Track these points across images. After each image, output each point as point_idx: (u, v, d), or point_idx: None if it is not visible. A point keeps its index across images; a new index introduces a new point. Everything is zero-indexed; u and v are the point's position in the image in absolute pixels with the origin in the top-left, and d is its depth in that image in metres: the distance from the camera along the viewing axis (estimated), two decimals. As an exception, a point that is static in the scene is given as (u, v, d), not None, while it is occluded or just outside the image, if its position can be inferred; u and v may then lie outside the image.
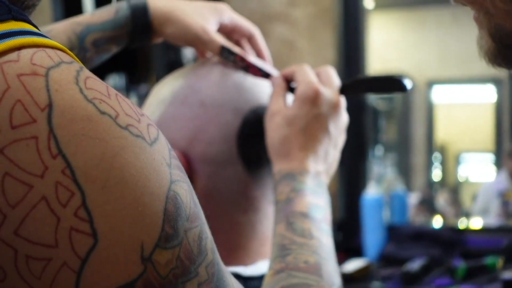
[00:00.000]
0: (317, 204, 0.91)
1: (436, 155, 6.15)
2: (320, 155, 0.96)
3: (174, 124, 0.99)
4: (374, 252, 2.88)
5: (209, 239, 0.62)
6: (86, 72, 0.56)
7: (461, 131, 6.34)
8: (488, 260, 2.57)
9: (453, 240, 2.86)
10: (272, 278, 0.81)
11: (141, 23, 1.02)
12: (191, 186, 0.61)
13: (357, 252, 2.93)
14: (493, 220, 4.43)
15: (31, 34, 0.56)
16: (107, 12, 1.03)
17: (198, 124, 0.98)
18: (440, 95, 6.16)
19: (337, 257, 0.90)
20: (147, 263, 0.54)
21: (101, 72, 0.57)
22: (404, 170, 5.63)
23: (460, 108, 6.45)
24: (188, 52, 3.25)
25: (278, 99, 0.98)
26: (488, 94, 6.24)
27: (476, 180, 6.33)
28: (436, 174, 6.20)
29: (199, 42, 1.03)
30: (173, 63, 3.08)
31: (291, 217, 0.88)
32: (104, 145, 0.53)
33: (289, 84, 1.00)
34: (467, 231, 2.99)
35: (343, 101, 0.99)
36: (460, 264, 2.57)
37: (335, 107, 0.97)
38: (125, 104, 0.57)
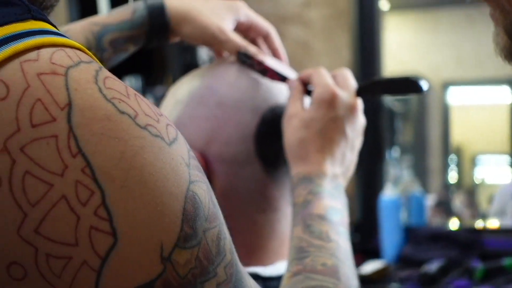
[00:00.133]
0: (335, 206, 0.91)
1: (452, 157, 6.13)
2: (337, 158, 0.96)
3: (192, 124, 1.00)
4: (392, 253, 2.87)
5: (227, 239, 0.62)
6: (105, 72, 0.56)
7: (477, 133, 6.31)
8: (506, 261, 2.57)
9: (470, 242, 2.84)
10: (290, 281, 0.81)
11: (158, 23, 1.03)
12: (210, 187, 0.61)
13: (374, 253, 2.93)
14: (510, 221, 4.40)
15: (50, 34, 0.56)
16: (124, 12, 1.03)
17: (216, 124, 0.98)
18: (455, 96, 6.13)
19: (354, 258, 0.90)
20: (166, 262, 0.54)
21: (117, 74, 0.57)
22: (420, 172, 5.60)
23: (476, 110, 6.42)
24: (203, 54, 3.25)
25: (295, 102, 0.98)
26: (504, 95, 6.21)
27: (493, 182, 6.30)
28: (452, 176, 6.17)
29: (216, 42, 1.04)
30: (189, 65, 3.08)
31: (308, 220, 0.88)
32: (124, 144, 0.53)
33: (306, 87, 1.00)
34: (484, 232, 2.98)
35: (359, 103, 0.99)
36: (478, 266, 2.56)
37: (352, 109, 0.97)
38: (144, 104, 0.57)
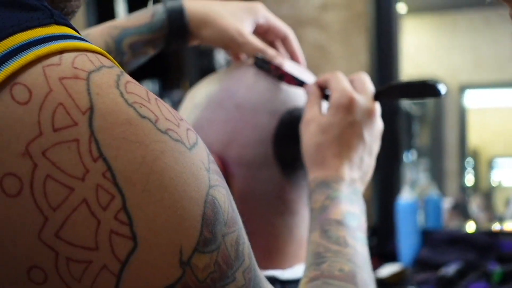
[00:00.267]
0: (352, 212, 0.91)
1: (469, 160, 6.10)
2: (355, 163, 0.96)
3: (210, 127, 1.00)
4: (409, 256, 2.87)
5: (246, 244, 0.62)
6: (127, 77, 0.57)
7: (493, 136, 6.28)
8: (524, 264, 2.54)
9: (488, 245, 2.84)
10: (307, 286, 0.81)
11: (177, 26, 1.03)
12: (229, 191, 0.61)
13: (392, 257, 2.93)
14: (526, 224, 4.40)
15: (72, 38, 0.57)
16: (143, 16, 1.04)
17: (234, 127, 0.99)
18: (472, 99, 6.11)
19: (371, 262, 0.90)
20: (186, 267, 0.54)
21: (134, 78, 0.58)
22: (437, 175, 5.58)
23: (493, 113, 6.39)
24: (221, 58, 3.26)
25: (313, 107, 0.98)
26: (521, 98, 6.19)
27: (509, 185, 6.27)
28: (469, 179, 6.15)
29: (235, 45, 1.04)
30: (206, 69, 3.09)
31: (326, 225, 0.88)
32: (144, 148, 0.53)
33: (323, 92, 1.00)
34: (501, 234, 2.97)
35: (377, 107, 0.99)
36: (496, 269, 2.55)
37: (369, 114, 0.97)
38: (165, 109, 0.57)
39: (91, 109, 0.52)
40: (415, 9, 5.06)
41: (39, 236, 0.51)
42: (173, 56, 3.50)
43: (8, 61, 0.52)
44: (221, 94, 1.01)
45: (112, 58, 0.59)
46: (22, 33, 0.54)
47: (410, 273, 2.73)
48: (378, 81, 3.00)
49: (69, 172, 0.51)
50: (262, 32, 1.09)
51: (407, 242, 2.88)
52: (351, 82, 0.99)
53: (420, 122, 5.62)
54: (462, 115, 5.98)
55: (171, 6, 1.03)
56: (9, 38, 0.53)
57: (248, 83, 1.02)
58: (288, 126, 1.00)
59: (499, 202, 6.00)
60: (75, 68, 0.54)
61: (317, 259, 0.84)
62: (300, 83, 1.02)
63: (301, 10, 3.23)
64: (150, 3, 1.03)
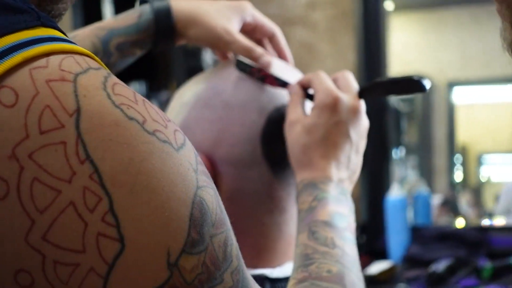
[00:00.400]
0: (340, 212, 0.90)
1: (458, 156, 6.12)
2: (343, 162, 0.96)
3: (198, 126, 1.00)
4: (399, 253, 2.88)
5: (234, 245, 0.62)
6: (114, 78, 0.56)
7: (482, 132, 6.31)
8: (513, 259, 2.56)
9: (477, 240, 2.85)
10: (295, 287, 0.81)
11: (164, 26, 1.03)
12: (217, 192, 0.61)
13: (381, 254, 2.93)
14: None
15: (59, 41, 0.56)
16: (130, 16, 1.03)
17: (222, 126, 0.99)
18: (460, 96, 6.13)
19: (361, 259, 0.90)
20: (173, 268, 0.54)
21: (121, 79, 0.58)
22: (426, 172, 5.61)
23: (481, 109, 6.42)
24: (208, 58, 3.26)
25: (295, 108, 0.97)
26: (509, 94, 6.21)
27: (498, 180, 6.30)
28: (458, 175, 6.17)
29: (222, 43, 1.04)
30: (193, 69, 3.08)
31: (313, 226, 0.88)
32: (132, 150, 0.53)
33: (306, 91, 1.00)
34: (491, 230, 2.98)
35: (362, 105, 0.98)
36: (486, 264, 2.56)
37: (354, 112, 0.96)
38: (152, 110, 0.57)
39: (78, 111, 0.52)
40: (402, 6, 5.07)
41: (26, 239, 0.51)
42: (160, 57, 3.51)
43: None
44: (209, 93, 1.01)
45: (99, 60, 0.59)
46: (9, 35, 0.54)
47: (400, 270, 2.74)
48: (366, 79, 3.01)
49: (56, 174, 0.51)
50: (250, 30, 1.09)
51: (396, 239, 2.89)
52: (335, 81, 0.99)
53: (408, 119, 5.64)
54: (450, 111, 6.01)
55: (157, 6, 1.03)
56: None
57: (235, 82, 1.01)
58: (276, 124, 0.99)
59: (488, 198, 6.03)
60: (62, 70, 0.53)
61: (305, 261, 0.84)
62: (282, 84, 1.01)
63: (288, 9, 3.23)
64: (137, 4, 1.03)
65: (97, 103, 0.53)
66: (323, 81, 0.97)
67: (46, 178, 0.51)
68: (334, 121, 0.94)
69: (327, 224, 0.88)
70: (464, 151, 6.27)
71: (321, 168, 0.94)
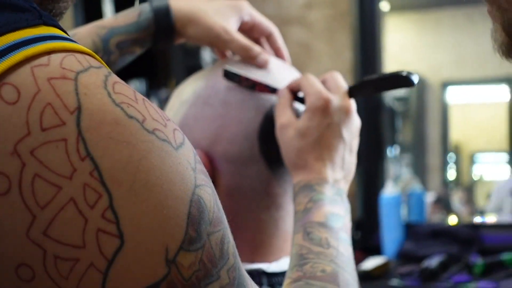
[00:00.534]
0: (336, 213, 0.91)
1: (451, 155, 6.15)
2: (337, 163, 0.96)
3: (197, 124, 1.01)
4: (393, 249, 2.90)
5: (231, 243, 0.62)
6: (114, 77, 0.57)
7: (475, 131, 6.33)
8: (505, 256, 2.59)
9: (470, 237, 2.87)
10: (290, 287, 0.81)
11: (163, 25, 1.04)
12: (215, 191, 0.61)
13: (375, 250, 2.96)
14: (507, 217, 4.45)
15: (61, 39, 0.57)
16: (130, 15, 1.04)
17: (220, 123, 0.99)
18: (454, 95, 6.16)
19: (356, 255, 0.90)
20: (171, 265, 0.54)
21: (121, 78, 0.59)
22: (420, 170, 5.63)
23: (475, 109, 6.44)
24: (207, 56, 3.26)
25: (285, 111, 0.98)
26: (502, 94, 6.24)
27: (490, 179, 6.33)
28: (451, 174, 6.20)
29: (220, 42, 1.04)
30: (193, 68, 3.06)
31: (308, 227, 0.88)
32: (131, 148, 0.53)
33: (296, 95, 1.00)
34: (483, 227, 3.00)
35: (353, 104, 0.98)
36: (478, 261, 2.58)
37: (346, 112, 0.96)
38: (152, 109, 0.57)
39: (78, 109, 0.52)
40: (398, 7, 5.11)
41: (27, 234, 0.51)
42: (160, 55, 3.50)
43: None
44: (207, 91, 1.02)
45: (100, 59, 0.59)
46: (11, 33, 0.54)
47: (394, 266, 2.75)
48: (362, 78, 3.02)
49: (57, 171, 0.51)
50: (247, 29, 1.09)
51: (390, 236, 2.92)
52: (323, 82, 0.99)
53: (403, 118, 5.65)
54: (444, 111, 6.03)
55: (157, 5, 1.04)
56: None
57: None
58: (273, 121, 1.00)
59: (480, 196, 6.06)
60: (63, 68, 0.54)
61: (300, 261, 0.84)
62: (272, 90, 1.01)
63: (285, 8, 3.24)
64: (137, 3, 1.04)
65: (98, 101, 0.53)
66: (313, 84, 0.97)
67: (47, 175, 0.51)
68: (326, 123, 0.95)
69: (322, 225, 0.88)
70: (457, 150, 6.30)
71: (317, 170, 0.94)
